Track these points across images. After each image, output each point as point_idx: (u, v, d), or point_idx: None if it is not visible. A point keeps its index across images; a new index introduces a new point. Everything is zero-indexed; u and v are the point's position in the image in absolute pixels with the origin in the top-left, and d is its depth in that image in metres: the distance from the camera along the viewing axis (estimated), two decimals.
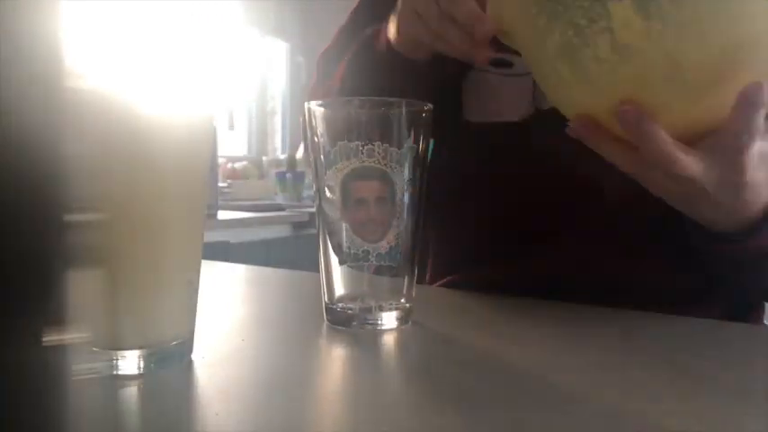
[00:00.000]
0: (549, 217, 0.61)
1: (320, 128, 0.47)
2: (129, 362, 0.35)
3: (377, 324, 0.46)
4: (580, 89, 0.43)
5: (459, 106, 0.64)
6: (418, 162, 0.47)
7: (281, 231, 2.42)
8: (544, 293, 0.56)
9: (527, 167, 0.61)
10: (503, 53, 0.60)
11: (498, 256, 0.64)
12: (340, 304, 0.47)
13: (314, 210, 0.49)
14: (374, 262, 0.46)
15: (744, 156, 0.43)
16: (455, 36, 0.50)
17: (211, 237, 2.07)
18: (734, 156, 0.43)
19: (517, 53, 0.57)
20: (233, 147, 3.39)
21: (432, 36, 0.52)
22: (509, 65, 0.61)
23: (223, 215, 2.24)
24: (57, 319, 0.20)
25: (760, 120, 0.42)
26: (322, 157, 0.47)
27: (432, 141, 0.48)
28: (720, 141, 0.43)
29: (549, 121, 0.59)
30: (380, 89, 0.49)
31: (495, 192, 0.64)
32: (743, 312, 0.65)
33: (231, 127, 2.94)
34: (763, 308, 0.68)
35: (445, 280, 0.67)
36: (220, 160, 2.96)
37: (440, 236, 0.70)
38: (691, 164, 0.43)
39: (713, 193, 0.45)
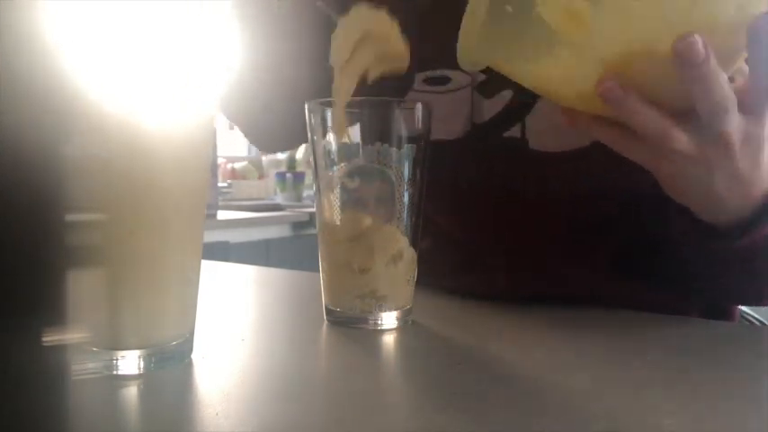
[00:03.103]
0: (485, 231, 0.60)
1: (320, 128, 0.47)
2: (129, 362, 0.35)
3: (377, 324, 0.47)
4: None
5: None
6: (418, 162, 0.47)
7: (281, 231, 2.42)
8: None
9: (462, 182, 0.60)
10: (438, 70, 0.60)
11: (450, 270, 0.63)
12: (340, 304, 0.47)
13: (314, 210, 0.49)
14: None
15: (721, 123, 0.40)
16: None
17: (211, 237, 2.07)
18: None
19: (452, 68, 0.56)
20: (233, 147, 3.39)
21: None
22: (445, 81, 0.60)
23: (223, 215, 2.24)
24: (57, 319, 0.20)
25: (715, 78, 0.38)
26: (322, 157, 0.47)
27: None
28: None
29: (484, 135, 0.59)
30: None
31: (430, 208, 0.63)
32: (718, 316, 0.64)
33: (231, 127, 2.95)
34: (736, 310, 0.68)
35: None
36: (220, 160, 2.95)
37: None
38: (683, 137, 0.40)
39: (735, 155, 0.41)
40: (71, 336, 0.21)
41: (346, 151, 0.46)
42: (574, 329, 0.48)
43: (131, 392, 0.34)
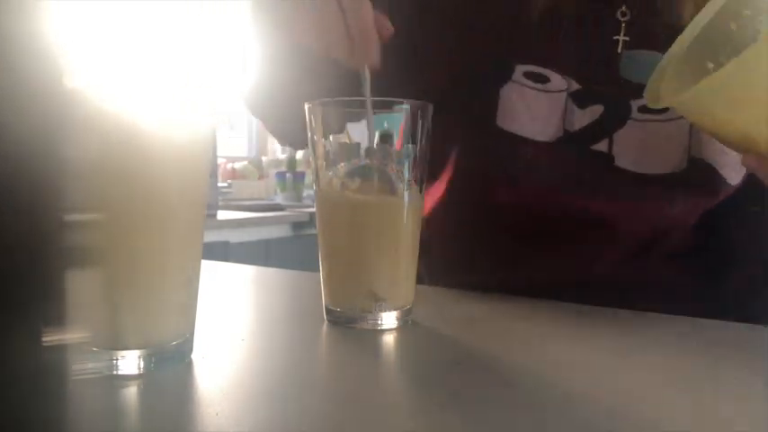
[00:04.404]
0: (562, 228, 0.62)
1: (320, 128, 0.47)
2: (129, 362, 0.35)
3: (377, 324, 0.46)
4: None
5: (494, 112, 0.64)
6: (418, 162, 0.47)
7: (281, 231, 2.42)
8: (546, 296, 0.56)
9: (549, 183, 0.61)
10: (539, 67, 0.61)
11: (497, 263, 0.64)
12: (340, 304, 0.47)
13: (314, 210, 0.49)
14: None
15: None
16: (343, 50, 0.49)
17: (211, 237, 2.07)
18: None
19: (554, 70, 0.59)
20: (233, 147, 3.39)
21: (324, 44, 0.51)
22: (545, 80, 0.61)
23: (223, 215, 2.24)
24: (57, 319, 0.20)
25: None
26: (322, 157, 0.47)
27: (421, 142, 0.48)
28: None
29: (575, 142, 0.60)
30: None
31: (511, 201, 0.64)
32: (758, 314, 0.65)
33: (231, 127, 2.94)
34: None
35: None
36: (220, 160, 2.95)
37: (439, 237, 0.70)
38: None
39: None
40: (71, 336, 0.21)
41: (346, 151, 0.46)
42: (575, 329, 0.48)
43: (131, 392, 0.34)
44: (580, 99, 0.60)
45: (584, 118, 0.60)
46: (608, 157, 0.60)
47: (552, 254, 0.62)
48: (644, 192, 0.59)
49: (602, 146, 0.60)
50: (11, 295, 0.19)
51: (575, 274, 0.60)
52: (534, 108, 0.61)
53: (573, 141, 0.61)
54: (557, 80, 0.61)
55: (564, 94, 0.61)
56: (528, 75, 0.62)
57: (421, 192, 0.48)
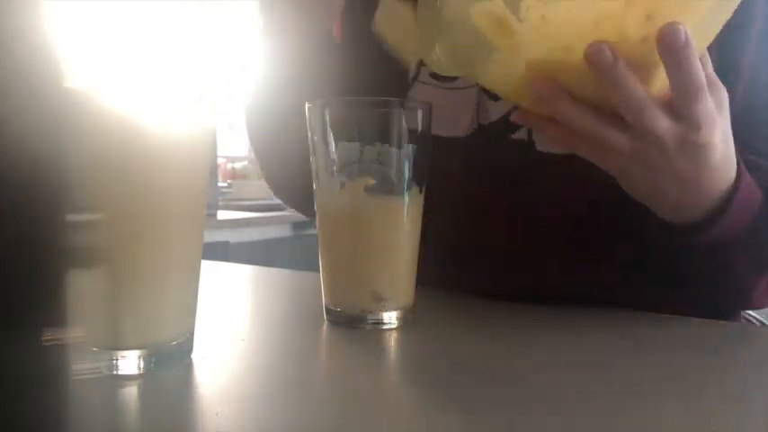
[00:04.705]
0: (493, 231, 0.60)
1: (320, 128, 0.47)
2: (129, 362, 0.35)
3: (377, 324, 0.47)
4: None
5: None
6: (418, 162, 0.47)
7: (281, 231, 2.42)
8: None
9: (469, 181, 0.60)
10: None
11: (445, 269, 0.63)
12: (340, 304, 0.47)
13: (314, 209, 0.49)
14: None
15: (696, 108, 0.41)
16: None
17: (211, 237, 2.07)
18: (687, 110, 0.41)
19: None
20: (233, 147, 3.39)
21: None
22: (453, 78, 0.60)
23: (223, 215, 2.24)
24: (57, 319, 0.20)
25: (696, 67, 0.40)
26: (322, 156, 0.47)
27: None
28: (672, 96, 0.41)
29: (492, 135, 0.59)
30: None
31: (436, 205, 0.63)
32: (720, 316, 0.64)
33: (231, 127, 2.95)
34: (739, 312, 0.68)
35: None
36: (220, 160, 2.95)
37: None
38: (615, 135, 0.42)
39: (673, 158, 0.43)
40: (71, 336, 0.21)
41: (346, 151, 0.46)
42: (574, 329, 0.48)
43: (131, 392, 0.34)
44: (491, 92, 0.59)
45: (499, 109, 0.59)
46: (528, 144, 0.58)
47: (484, 256, 0.60)
48: (567, 171, 0.55)
49: (521, 134, 0.58)
50: (12, 295, 0.19)
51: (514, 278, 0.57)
52: (444, 105, 0.59)
53: (489, 134, 0.59)
54: (464, 77, 0.60)
55: (475, 89, 0.60)
56: (434, 75, 0.61)
57: (421, 192, 0.48)
